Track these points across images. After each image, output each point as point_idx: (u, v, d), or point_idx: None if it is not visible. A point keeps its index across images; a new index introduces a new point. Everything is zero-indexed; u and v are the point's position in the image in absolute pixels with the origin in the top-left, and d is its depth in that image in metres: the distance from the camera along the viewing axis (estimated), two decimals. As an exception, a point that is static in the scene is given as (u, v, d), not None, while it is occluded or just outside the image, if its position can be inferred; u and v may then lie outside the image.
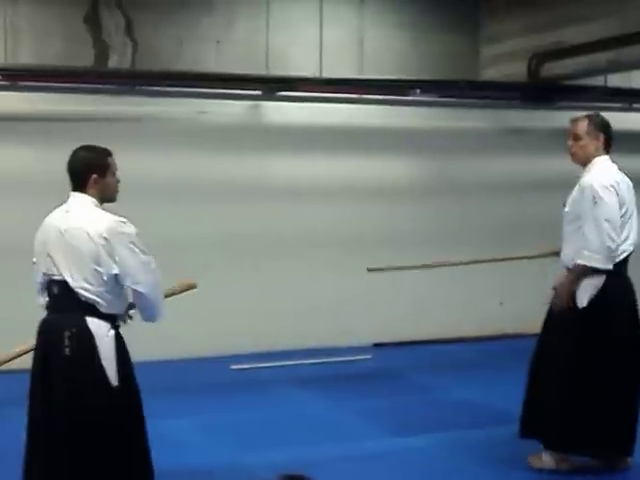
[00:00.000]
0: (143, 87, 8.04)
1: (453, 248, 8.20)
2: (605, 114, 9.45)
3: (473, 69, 9.70)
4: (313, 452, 5.53)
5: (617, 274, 4.88)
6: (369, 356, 8.43)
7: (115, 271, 3.90)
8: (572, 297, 4.88)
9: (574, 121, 5.07)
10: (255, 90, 8.44)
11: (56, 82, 7.65)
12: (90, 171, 4.03)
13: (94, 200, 4.03)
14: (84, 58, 8.16)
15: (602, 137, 5.00)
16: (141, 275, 3.96)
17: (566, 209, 5.00)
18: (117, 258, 3.90)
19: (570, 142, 5.05)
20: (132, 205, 7.68)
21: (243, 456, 5.50)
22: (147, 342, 7.72)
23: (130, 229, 3.98)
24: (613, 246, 4.78)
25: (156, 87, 8.08)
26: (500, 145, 9.25)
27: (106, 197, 4.10)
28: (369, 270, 5.54)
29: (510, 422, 5.14)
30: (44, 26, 8.02)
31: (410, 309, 8.88)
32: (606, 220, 4.75)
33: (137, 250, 3.96)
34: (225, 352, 8.02)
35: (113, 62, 8.31)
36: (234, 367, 7.80)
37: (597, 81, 9.29)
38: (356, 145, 8.72)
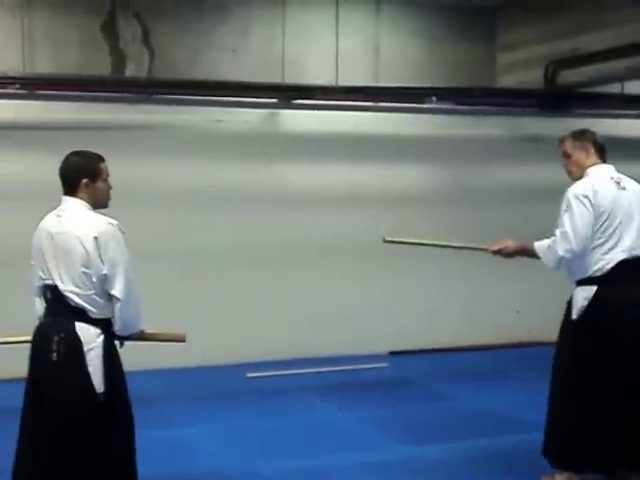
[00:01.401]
0: (160, 95, 8.06)
1: (468, 257, 8.17)
2: (622, 121, 9.54)
3: (489, 76, 9.70)
4: (328, 460, 5.53)
5: (612, 284, 4.79)
6: (385, 364, 8.41)
7: (105, 271, 3.88)
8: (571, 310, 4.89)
9: (560, 141, 5.08)
10: (271, 98, 8.46)
11: (73, 91, 7.69)
12: (81, 176, 4.02)
13: (85, 204, 4.02)
14: (101, 67, 8.21)
15: (591, 147, 4.98)
16: (121, 280, 3.93)
17: None
18: (105, 259, 3.88)
19: (563, 162, 5.07)
20: (148, 213, 7.78)
21: (259, 463, 5.50)
22: (164, 350, 7.73)
23: (119, 232, 3.97)
24: (567, 255, 4.79)
25: (173, 95, 8.10)
26: (516, 153, 9.23)
27: (97, 203, 4.08)
28: (385, 241, 5.53)
29: (526, 431, 5.12)
30: (61, 35, 8.06)
31: (426, 317, 8.87)
32: (572, 230, 4.76)
33: (124, 255, 3.95)
34: (241, 360, 8.02)
35: (130, 71, 8.35)
36: (250, 375, 7.80)
37: (614, 88, 9.26)
38: (372, 153, 8.72)
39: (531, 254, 5.04)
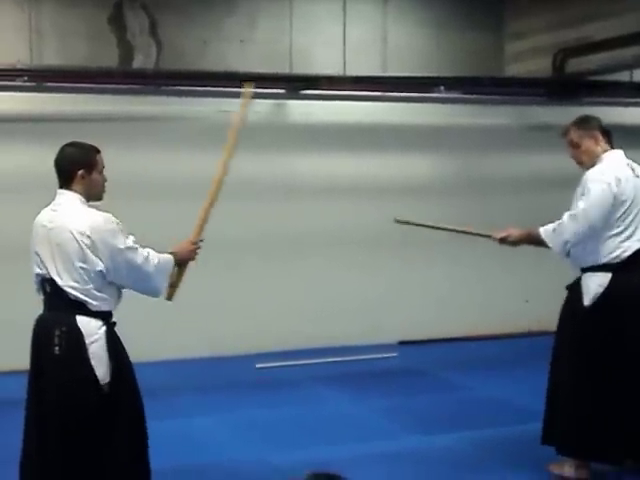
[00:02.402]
0: (168, 87, 8.06)
1: (476, 246, 8.17)
2: (631, 109, 9.52)
3: (497, 65, 9.68)
4: (339, 450, 5.53)
5: (627, 272, 4.78)
6: (395, 354, 8.42)
7: (100, 267, 3.87)
8: (579, 296, 4.86)
9: (564, 132, 4.99)
10: (279, 89, 8.45)
11: (81, 83, 7.70)
12: (77, 167, 4.00)
13: (81, 197, 4.00)
14: (108, 59, 8.22)
15: (598, 134, 4.91)
16: (123, 272, 3.95)
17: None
18: (100, 255, 3.87)
19: (571, 152, 4.99)
20: (156, 204, 7.79)
21: (269, 454, 5.51)
22: (173, 340, 7.77)
23: (113, 225, 3.93)
24: (573, 239, 4.77)
25: (180, 87, 8.10)
26: (525, 142, 9.20)
27: (92, 195, 4.06)
28: (396, 221, 5.56)
29: (536, 420, 5.09)
30: (68, 27, 8.08)
31: (436, 307, 8.87)
32: (584, 213, 4.72)
33: (120, 246, 3.92)
34: (250, 350, 8.03)
35: (138, 62, 8.37)
36: (259, 365, 7.81)
37: (623, 76, 9.23)
38: (380, 143, 8.71)
39: (537, 241, 5.00)
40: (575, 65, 8.95)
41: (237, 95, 8.24)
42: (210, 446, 5.74)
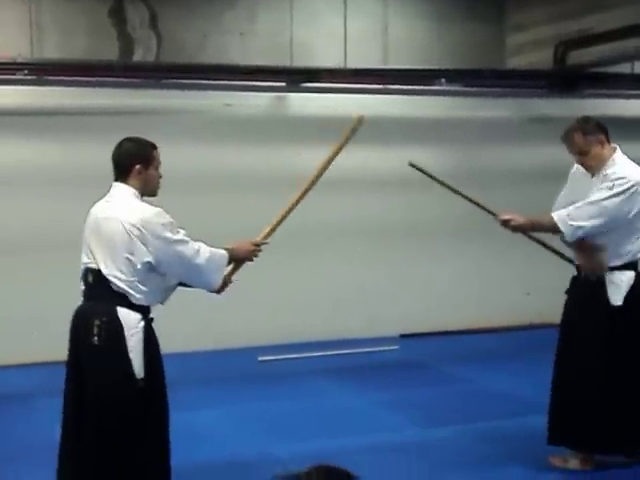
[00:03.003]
0: (168, 80, 8.06)
1: (479, 238, 8.17)
2: (632, 102, 9.50)
3: (499, 58, 9.66)
4: (340, 443, 5.53)
5: None
6: (396, 347, 8.42)
7: (148, 259, 3.89)
8: (602, 294, 4.85)
9: (567, 139, 4.93)
10: (280, 82, 8.44)
11: (81, 76, 7.70)
12: (134, 162, 4.02)
13: (135, 191, 4.02)
14: (109, 52, 8.21)
15: (602, 136, 4.88)
16: (175, 265, 3.99)
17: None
18: (150, 248, 3.89)
19: (578, 159, 4.94)
20: (157, 198, 7.78)
21: (271, 447, 5.51)
22: (176, 333, 7.76)
23: (164, 219, 3.97)
24: (586, 226, 4.73)
25: (181, 80, 8.10)
26: (526, 135, 9.19)
27: (147, 190, 4.09)
28: (410, 164, 5.52)
29: (538, 413, 5.10)
30: (68, 20, 8.07)
31: (437, 299, 8.87)
32: (605, 204, 4.70)
33: (170, 239, 3.95)
34: (252, 343, 8.03)
35: (138, 56, 8.35)
36: (261, 359, 7.82)
37: (624, 68, 9.21)
38: (381, 136, 8.68)
39: (544, 227, 4.94)
40: (576, 57, 8.93)
41: (237, 88, 8.31)
42: (213, 439, 5.75)
